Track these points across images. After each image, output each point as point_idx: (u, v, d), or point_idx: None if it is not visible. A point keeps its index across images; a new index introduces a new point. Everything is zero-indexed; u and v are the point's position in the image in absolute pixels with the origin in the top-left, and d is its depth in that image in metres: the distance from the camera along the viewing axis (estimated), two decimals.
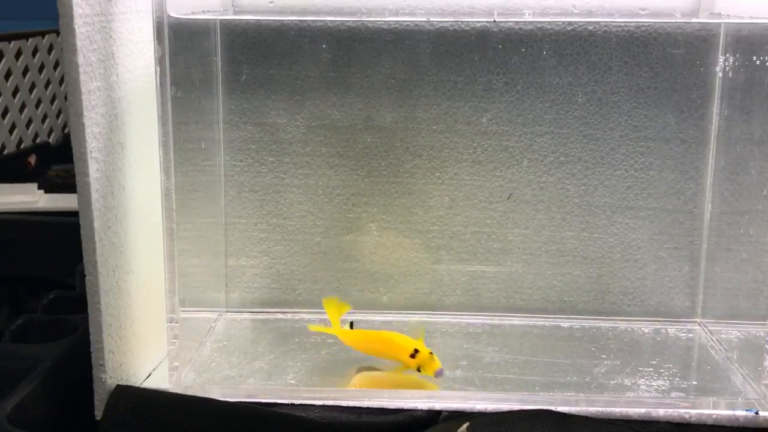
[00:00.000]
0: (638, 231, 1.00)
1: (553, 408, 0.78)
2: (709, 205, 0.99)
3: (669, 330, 1.00)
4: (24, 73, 1.81)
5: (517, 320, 1.02)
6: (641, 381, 0.86)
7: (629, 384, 0.86)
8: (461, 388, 0.84)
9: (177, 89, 0.80)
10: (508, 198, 1.00)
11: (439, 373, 0.84)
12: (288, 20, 0.96)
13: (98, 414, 0.79)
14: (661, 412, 0.79)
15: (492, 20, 0.94)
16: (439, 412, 0.79)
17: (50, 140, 1.91)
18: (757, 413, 0.79)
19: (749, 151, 0.93)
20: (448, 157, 0.99)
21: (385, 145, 0.99)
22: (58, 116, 1.93)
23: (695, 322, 1.01)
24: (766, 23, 0.87)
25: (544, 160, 0.99)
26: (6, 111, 1.76)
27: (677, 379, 0.87)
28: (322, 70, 0.97)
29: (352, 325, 0.90)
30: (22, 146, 1.82)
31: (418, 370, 0.84)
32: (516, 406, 0.79)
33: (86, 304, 0.77)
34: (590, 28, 0.95)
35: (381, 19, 0.94)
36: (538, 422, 0.75)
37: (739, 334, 0.95)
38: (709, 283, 1.00)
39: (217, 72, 0.97)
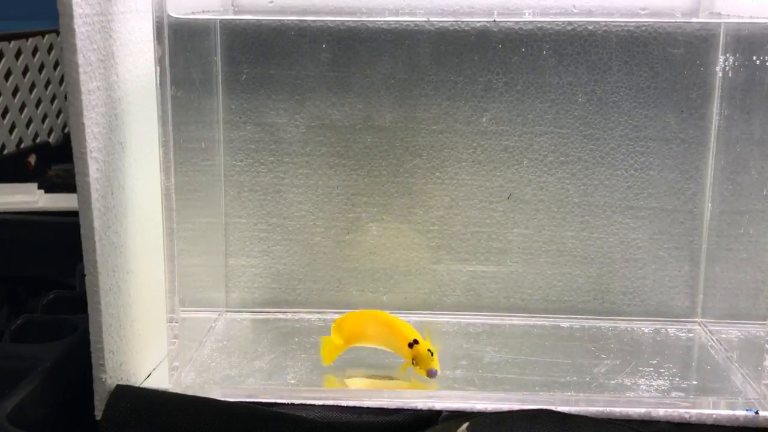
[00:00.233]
0: (638, 231, 1.00)
1: (553, 408, 0.78)
2: (709, 205, 0.99)
3: (669, 330, 1.00)
4: (24, 73, 1.81)
5: (517, 320, 1.02)
6: (641, 381, 0.86)
7: (629, 384, 0.86)
8: (461, 388, 0.84)
9: (177, 89, 0.80)
10: (508, 198, 1.00)
11: (431, 373, 0.83)
12: (288, 20, 0.96)
13: (98, 414, 0.79)
14: (661, 412, 0.79)
15: (492, 20, 0.94)
16: (439, 412, 0.79)
17: (50, 140, 1.91)
18: (757, 413, 0.79)
19: (749, 151, 0.93)
20: (448, 157, 0.99)
21: (385, 145, 0.99)
22: (58, 116, 1.93)
23: (695, 322, 1.01)
24: (766, 23, 0.87)
25: (544, 160, 0.99)
26: (6, 111, 1.77)
27: (677, 379, 0.87)
28: (322, 70, 0.97)
29: None
30: (22, 146, 1.82)
31: (413, 363, 0.84)
32: (516, 406, 0.79)
33: (86, 304, 0.77)
34: (590, 27, 0.95)
35: (381, 19, 0.94)
36: (538, 422, 0.75)
37: (739, 334, 0.95)
38: (709, 283, 1.00)
39: (217, 72, 0.97)
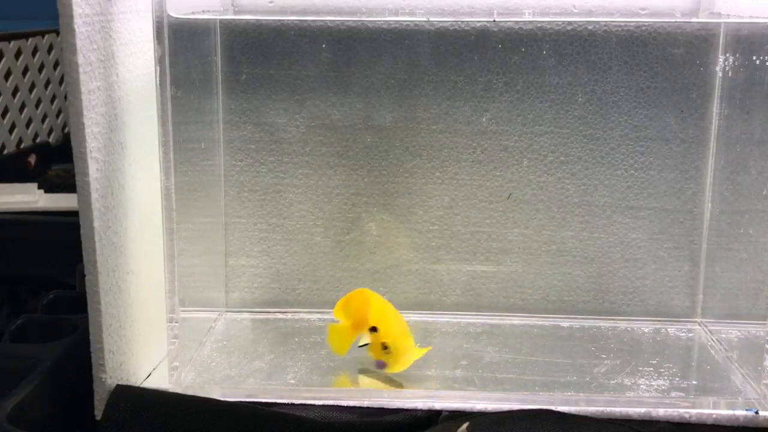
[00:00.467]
0: (638, 231, 1.00)
1: (553, 408, 0.78)
2: (709, 204, 0.99)
3: (669, 330, 1.00)
4: (24, 73, 1.81)
5: (517, 320, 1.02)
6: (641, 381, 0.86)
7: (629, 384, 0.86)
8: (461, 388, 0.84)
9: (177, 89, 0.80)
10: (508, 198, 1.00)
11: (377, 365, 0.84)
12: (288, 20, 0.96)
13: (98, 414, 0.79)
14: (661, 412, 0.79)
15: (492, 20, 0.94)
16: (439, 412, 0.79)
17: (50, 140, 1.91)
18: (757, 413, 0.79)
19: (749, 151, 0.93)
20: (448, 157, 0.99)
21: (385, 145, 0.99)
22: (58, 116, 1.93)
23: (695, 321, 1.01)
24: (766, 23, 0.87)
25: (544, 159, 0.99)
26: (6, 111, 1.77)
27: (677, 379, 0.87)
28: (322, 70, 0.97)
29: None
30: (22, 146, 1.82)
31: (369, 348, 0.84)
32: (516, 406, 0.79)
33: (86, 304, 0.77)
34: (590, 27, 0.95)
35: (381, 18, 0.94)
36: (538, 422, 0.75)
37: (739, 333, 0.95)
38: (709, 283, 1.00)
39: (217, 72, 0.97)
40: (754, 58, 0.89)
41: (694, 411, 0.79)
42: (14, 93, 1.79)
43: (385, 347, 0.84)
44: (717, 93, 0.96)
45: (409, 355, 0.84)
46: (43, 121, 1.88)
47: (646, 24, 0.94)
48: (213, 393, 0.81)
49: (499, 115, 0.98)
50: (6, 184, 1.52)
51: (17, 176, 1.64)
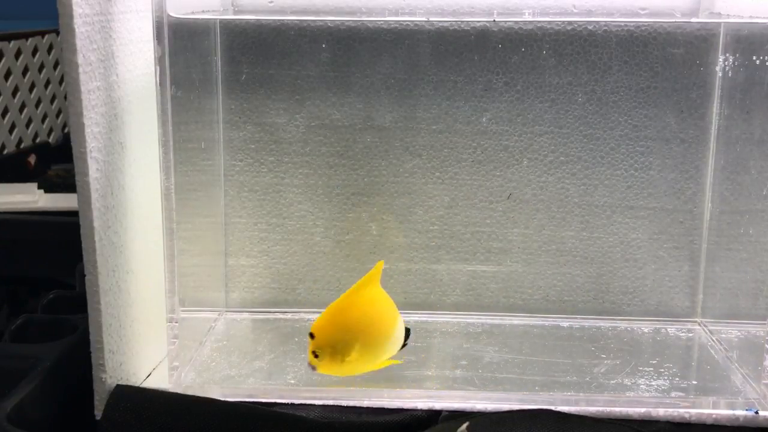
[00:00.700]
0: (638, 231, 1.00)
1: (553, 408, 0.78)
2: (709, 204, 0.99)
3: (669, 330, 1.00)
4: (24, 73, 1.81)
5: (517, 320, 1.02)
6: (641, 381, 0.86)
7: (629, 384, 0.86)
8: (461, 388, 0.84)
9: (177, 89, 0.80)
10: (508, 198, 1.00)
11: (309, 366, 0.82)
12: (288, 20, 0.96)
13: (98, 414, 0.79)
14: (661, 412, 0.79)
15: (492, 20, 0.94)
16: (439, 412, 0.79)
17: (50, 140, 1.91)
18: (756, 413, 0.79)
19: (749, 151, 0.93)
20: (448, 157, 0.99)
21: (385, 145, 0.99)
22: (58, 116, 1.93)
23: (695, 321, 1.01)
24: (766, 23, 0.87)
25: (544, 159, 0.99)
26: (6, 111, 1.77)
27: (677, 379, 0.87)
28: (322, 70, 0.97)
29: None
30: (22, 146, 1.82)
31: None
32: (516, 406, 0.79)
33: (86, 304, 0.77)
34: (590, 27, 0.95)
35: (381, 18, 0.94)
36: (538, 422, 0.75)
37: (739, 333, 0.95)
38: (709, 283, 1.00)
39: (217, 72, 0.97)
40: (754, 58, 0.89)
41: (694, 411, 0.79)
42: (14, 93, 1.79)
43: (316, 355, 0.81)
44: (717, 93, 0.96)
45: (353, 366, 0.82)
46: (43, 121, 1.88)
47: (646, 24, 0.94)
48: (213, 393, 0.81)
49: (499, 115, 0.98)
50: (6, 184, 1.53)
51: (17, 176, 1.64)
